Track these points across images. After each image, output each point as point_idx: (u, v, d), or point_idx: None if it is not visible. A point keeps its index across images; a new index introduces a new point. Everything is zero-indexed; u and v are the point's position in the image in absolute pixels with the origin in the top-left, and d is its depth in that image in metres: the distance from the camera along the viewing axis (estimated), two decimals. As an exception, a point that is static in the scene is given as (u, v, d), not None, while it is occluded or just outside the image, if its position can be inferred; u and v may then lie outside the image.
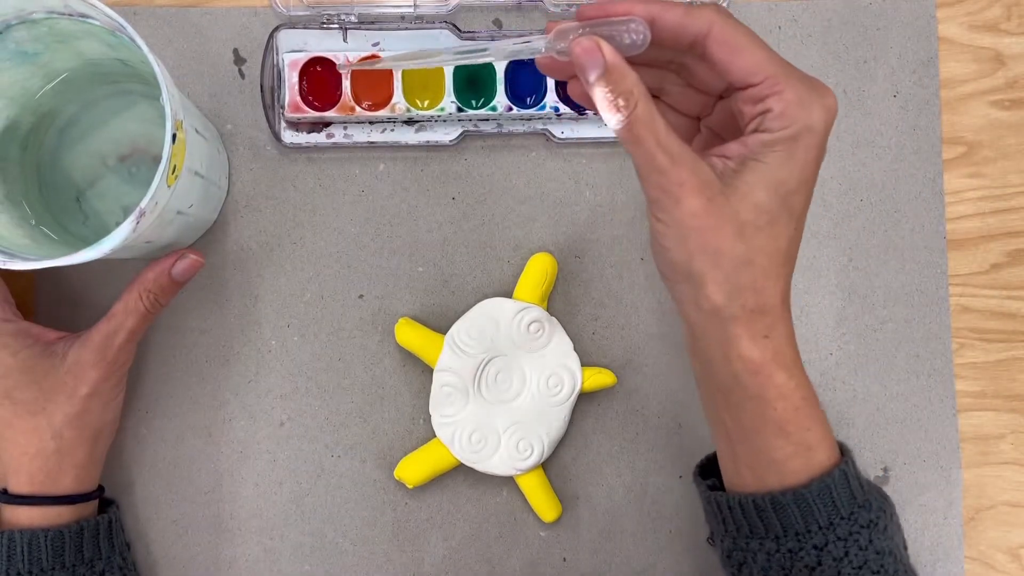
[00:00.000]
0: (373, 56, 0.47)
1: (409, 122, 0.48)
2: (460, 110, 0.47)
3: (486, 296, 0.48)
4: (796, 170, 0.33)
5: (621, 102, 0.33)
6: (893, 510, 0.37)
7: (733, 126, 0.36)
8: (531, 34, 0.36)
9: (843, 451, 0.37)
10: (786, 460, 0.35)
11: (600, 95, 0.33)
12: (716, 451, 0.40)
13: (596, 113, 0.36)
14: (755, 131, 0.34)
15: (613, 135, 0.48)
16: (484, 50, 0.36)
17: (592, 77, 0.33)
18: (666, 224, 0.33)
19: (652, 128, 0.33)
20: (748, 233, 0.33)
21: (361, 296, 0.49)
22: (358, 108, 0.47)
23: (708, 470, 0.41)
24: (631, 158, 0.34)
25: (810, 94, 0.33)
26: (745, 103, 0.34)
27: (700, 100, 0.38)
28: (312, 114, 0.47)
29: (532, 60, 0.48)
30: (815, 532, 0.35)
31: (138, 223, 0.36)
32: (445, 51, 0.37)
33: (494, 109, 0.48)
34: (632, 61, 0.33)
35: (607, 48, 0.33)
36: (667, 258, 0.34)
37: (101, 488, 0.45)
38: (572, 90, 0.37)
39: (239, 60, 0.49)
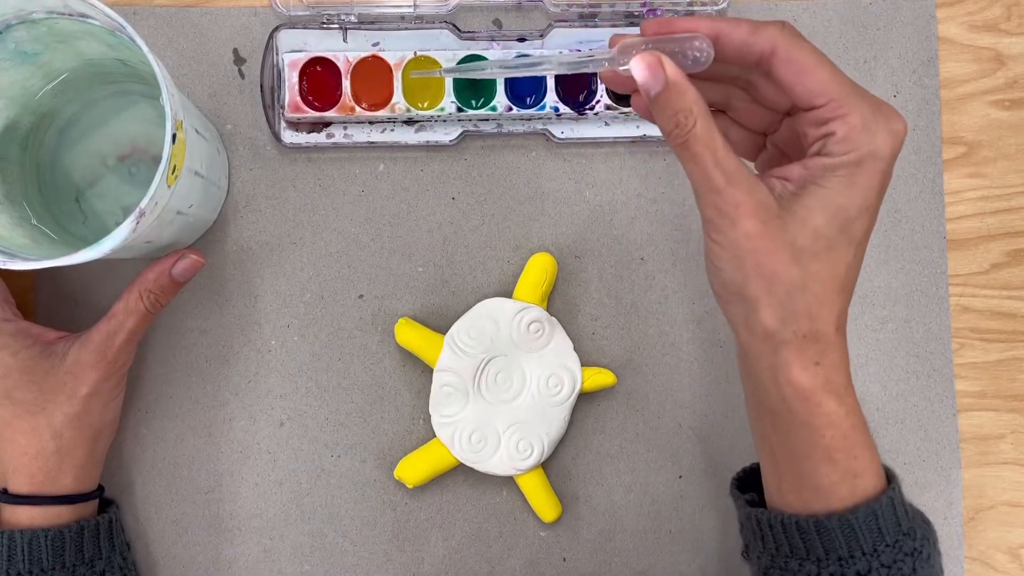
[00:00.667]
0: (374, 56, 0.47)
1: (409, 122, 0.48)
2: (460, 110, 0.47)
3: (486, 296, 0.48)
4: (858, 196, 0.33)
5: (681, 119, 0.33)
6: (935, 537, 0.36)
7: (800, 144, 0.36)
8: (594, 48, 0.37)
9: (890, 477, 0.36)
10: (832, 486, 0.34)
11: (659, 111, 0.33)
12: (758, 466, 0.40)
13: (652, 122, 0.36)
14: (817, 154, 0.33)
15: (613, 135, 0.48)
16: (540, 64, 0.37)
17: (653, 92, 0.33)
18: (721, 245, 0.33)
19: (710, 146, 0.33)
20: (804, 259, 0.33)
21: (361, 296, 0.49)
22: (358, 108, 0.47)
23: (744, 483, 0.41)
24: (687, 176, 0.34)
25: (876, 118, 0.33)
26: (808, 125, 0.34)
27: (767, 116, 0.37)
28: (312, 114, 0.47)
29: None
30: (859, 558, 0.34)
31: (138, 223, 0.36)
32: (505, 63, 0.38)
33: (494, 109, 0.48)
34: (698, 76, 0.33)
35: (669, 64, 0.33)
36: (721, 279, 0.34)
37: (101, 488, 0.45)
38: (635, 104, 0.37)
39: (239, 60, 0.49)
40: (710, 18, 0.34)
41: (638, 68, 0.33)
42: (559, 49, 0.48)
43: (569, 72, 0.37)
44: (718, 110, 0.34)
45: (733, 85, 0.37)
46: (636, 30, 0.48)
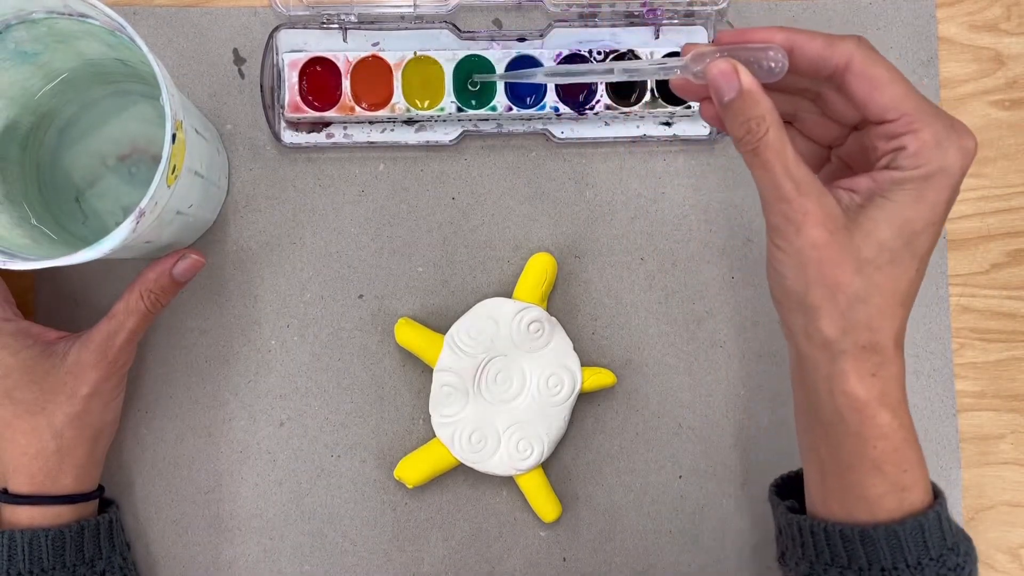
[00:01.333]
0: (374, 56, 0.47)
1: (409, 122, 0.48)
2: (460, 110, 0.47)
3: (486, 296, 0.48)
4: (925, 211, 0.33)
5: (753, 126, 0.33)
6: (976, 556, 0.37)
7: (865, 158, 0.36)
8: (667, 56, 0.37)
9: (936, 493, 0.36)
10: (879, 498, 0.35)
11: (732, 118, 0.34)
12: (796, 474, 0.41)
13: (724, 133, 0.37)
14: (886, 168, 0.34)
15: (613, 135, 0.48)
16: (606, 71, 0.38)
17: (726, 99, 0.33)
18: (785, 252, 0.34)
19: (781, 155, 0.33)
20: (868, 270, 0.33)
21: (361, 296, 0.49)
22: (358, 108, 0.47)
23: (782, 490, 0.41)
24: (755, 182, 0.34)
25: (948, 134, 0.33)
26: (879, 139, 0.34)
27: (833, 129, 0.38)
28: (312, 114, 0.47)
29: (532, 60, 0.48)
30: (903, 570, 0.34)
31: (138, 223, 0.36)
32: (567, 69, 0.39)
33: (494, 109, 0.48)
34: (767, 87, 0.34)
35: (744, 72, 0.33)
36: (782, 285, 0.34)
37: (101, 488, 0.45)
38: (704, 112, 0.38)
39: (239, 60, 0.49)
40: (786, 29, 0.35)
41: (713, 74, 0.34)
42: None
43: (642, 79, 0.38)
44: (785, 121, 0.34)
45: (802, 97, 0.38)
46: (636, 30, 0.48)
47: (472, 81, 0.47)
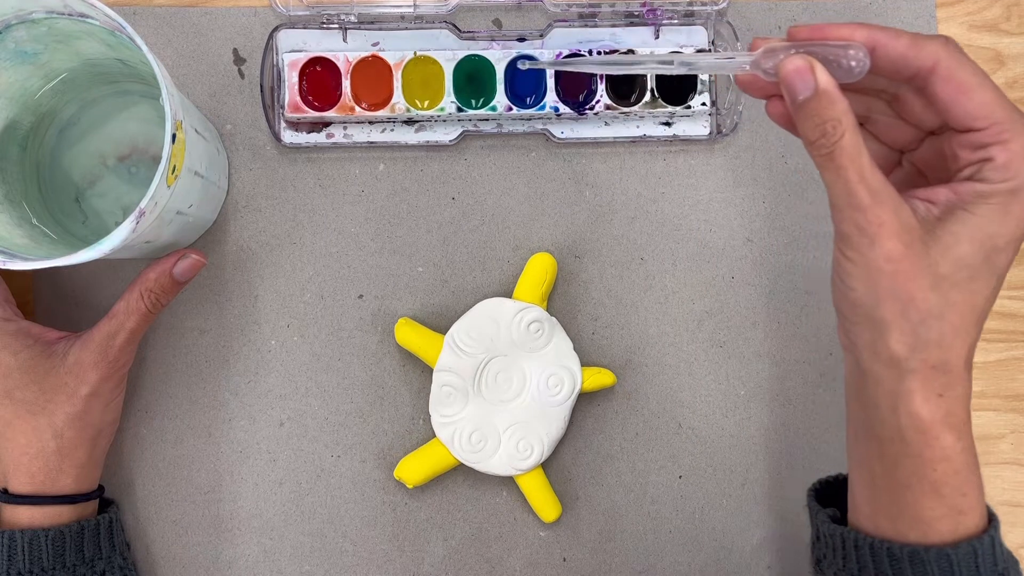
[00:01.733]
0: (374, 56, 0.47)
1: (409, 122, 0.48)
2: (460, 110, 0.47)
3: (486, 296, 0.48)
4: (1009, 227, 0.32)
5: (828, 128, 0.31)
6: None
7: (941, 166, 0.35)
8: (735, 50, 0.36)
9: (991, 516, 0.35)
10: (934, 520, 0.33)
11: (805, 119, 0.32)
12: (835, 479, 0.40)
13: (796, 134, 0.35)
14: (969, 179, 0.32)
15: (613, 135, 0.48)
16: (671, 63, 0.36)
17: (800, 98, 0.32)
18: (855, 263, 0.32)
19: (857, 161, 0.31)
20: (944, 287, 0.32)
21: (361, 296, 0.49)
22: (358, 108, 0.47)
23: (822, 495, 0.40)
24: (826, 189, 0.33)
25: None
26: (963, 147, 0.32)
27: (908, 133, 0.36)
28: (312, 114, 0.47)
29: (533, 60, 0.48)
30: None
31: (138, 223, 0.36)
32: (645, 59, 0.37)
33: (494, 109, 0.48)
34: (841, 87, 0.32)
35: (821, 71, 0.32)
36: (849, 298, 0.33)
37: (101, 488, 0.45)
38: (771, 110, 0.36)
39: (239, 60, 0.49)
40: (867, 26, 0.33)
41: (787, 71, 0.32)
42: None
43: (707, 73, 0.36)
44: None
45: (876, 98, 0.36)
46: (636, 30, 0.48)
47: (521, 66, 0.46)
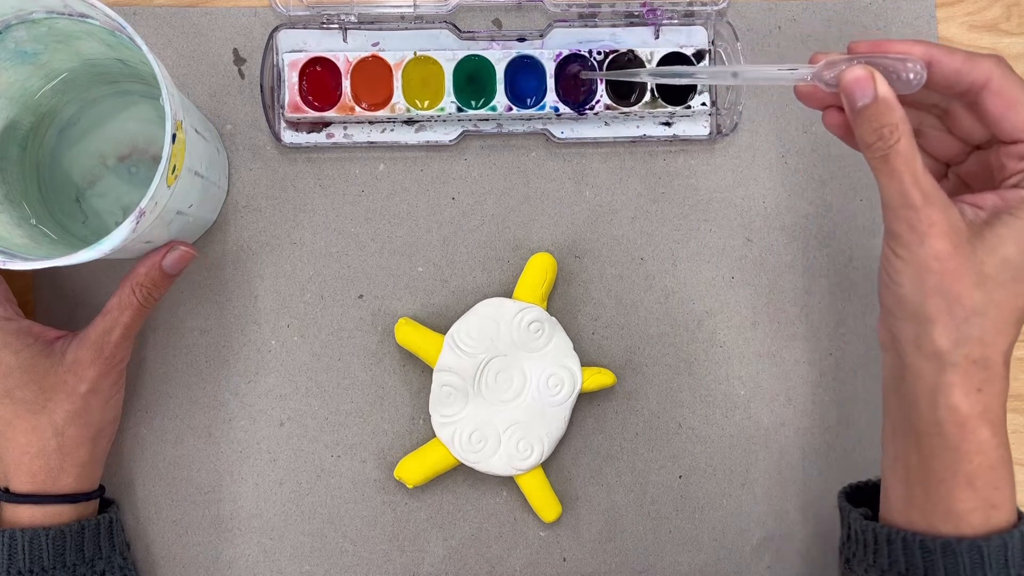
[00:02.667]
0: (374, 56, 0.47)
1: (409, 122, 0.48)
2: (460, 110, 0.47)
3: (486, 296, 0.48)
4: None
5: (885, 132, 0.33)
6: None
7: (984, 177, 0.37)
8: (794, 63, 0.38)
9: (1021, 514, 0.36)
10: (967, 513, 0.35)
11: (863, 125, 0.34)
12: (866, 484, 0.41)
13: (853, 146, 0.37)
14: (1016, 186, 0.34)
15: (613, 135, 0.48)
16: (735, 73, 0.38)
17: (859, 104, 0.34)
18: (904, 261, 0.34)
19: (911, 164, 0.33)
20: (989, 285, 0.33)
21: (361, 296, 0.49)
22: (358, 108, 0.47)
23: (852, 498, 0.41)
24: (880, 190, 0.34)
25: None
26: (1010, 158, 0.35)
27: (956, 147, 0.38)
28: (312, 114, 0.47)
29: (532, 60, 0.48)
30: None
31: (138, 223, 0.36)
32: (702, 70, 0.40)
33: (494, 109, 0.48)
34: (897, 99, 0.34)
35: (880, 79, 0.34)
36: (896, 294, 0.35)
37: (102, 488, 0.45)
38: (828, 120, 0.38)
39: (239, 60, 0.49)
40: (924, 43, 0.35)
41: (848, 80, 0.34)
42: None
43: (767, 84, 0.39)
44: None
45: (928, 112, 0.38)
46: (636, 30, 0.48)
47: (580, 78, 0.47)
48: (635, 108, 0.48)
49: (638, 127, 0.49)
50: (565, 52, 0.48)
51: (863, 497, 0.42)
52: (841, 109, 0.37)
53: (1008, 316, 0.34)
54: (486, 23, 0.49)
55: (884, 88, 0.34)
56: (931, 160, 0.39)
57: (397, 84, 0.47)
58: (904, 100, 0.35)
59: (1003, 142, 0.35)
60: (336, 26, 0.48)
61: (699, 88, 0.47)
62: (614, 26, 0.48)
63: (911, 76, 0.35)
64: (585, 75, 0.47)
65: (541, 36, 0.48)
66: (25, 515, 0.42)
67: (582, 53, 0.48)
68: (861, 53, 0.36)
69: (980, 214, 0.35)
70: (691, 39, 0.48)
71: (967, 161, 0.38)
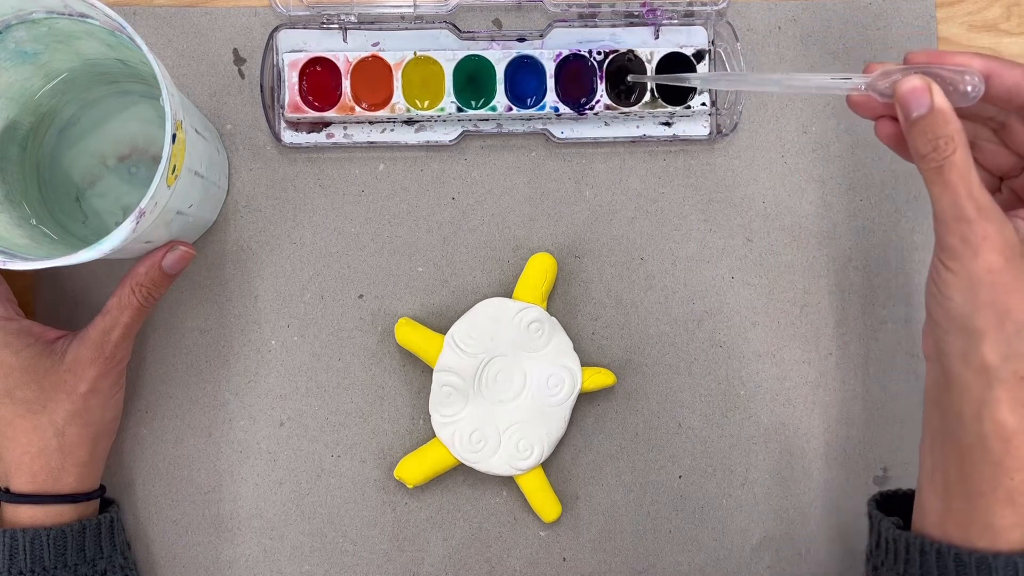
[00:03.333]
0: (374, 56, 0.47)
1: (409, 122, 0.48)
2: (460, 110, 0.47)
3: (486, 296, 0.48)
4: None
5: (941, 144, 0.33)
6: None
7: None
8: (847, 72, 0.38)
9: None
10: (1006, 528, 0.34)
11: (918, 136, 0.34)
12: (895, 494, 0.41)
13: (906, 157, 0.37)
14: None
15: (613, 135, 0.48)
16: (781, 82, 0.38)
17: (914, 115, 0.34)
18: (955, 274, 0.34)
19: (966, 176, 0.33)
20: None
21: (361, 296, 0.49)
22: (358, 108, 0.47)
23: (882, 506, 0.41)
24: (932, 202, 0.34)
25: None
26: None
27: (1010, 160, 0.38)
28: (312, 114, 0.47)
29: (532, 60, 0.48)
30: None
31: (138, 223, 0.36)
32: (750, 75, 0.40)
33: (494, 109, 0.48)
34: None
35: (937, 90, 0.34)
36: (945, 307, 0.34)
37: (103, 487, 0.45)
38: (881, 130, 0.38)
39: (239, 60, 0.49)
40: (983, 56, 0.35)
41: (904, 90, 0.34)
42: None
43: (819, 93, 0.39)
44: None
45: (984, 125, 0.38)
46: (636, 30, 0.48)
47: (628, 81, 0.47)
48: (635, 108, 0.48)
49: (638, 127, 0.49)
50: (565, 52, 0.48)
51: (892, 506, 0.41)
52: (894, 119, 0.37)
53: None
54: (486, 23, 0.49)
55: (941, 99, 0.33)
56: (985, 173, 0.39)
57: (397, 84, 0.47)
58: (960, 112, 0.35)
59: None
60: (336, 26, 0.48)
61: (699, 88, 0.47)
62: (614, 26, 0.48)
63: (968, 88, 0.34)
64: (633, 79, 0.47)
65: (541, 36, 0.48)
66: (26, 515, 0.42)
67: (582, 53, 0.48)
68: (918, 63, 0.35)
69: None
70: (691, 39, 0.48)
71: (1022, 175, 0.38)
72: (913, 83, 0.34)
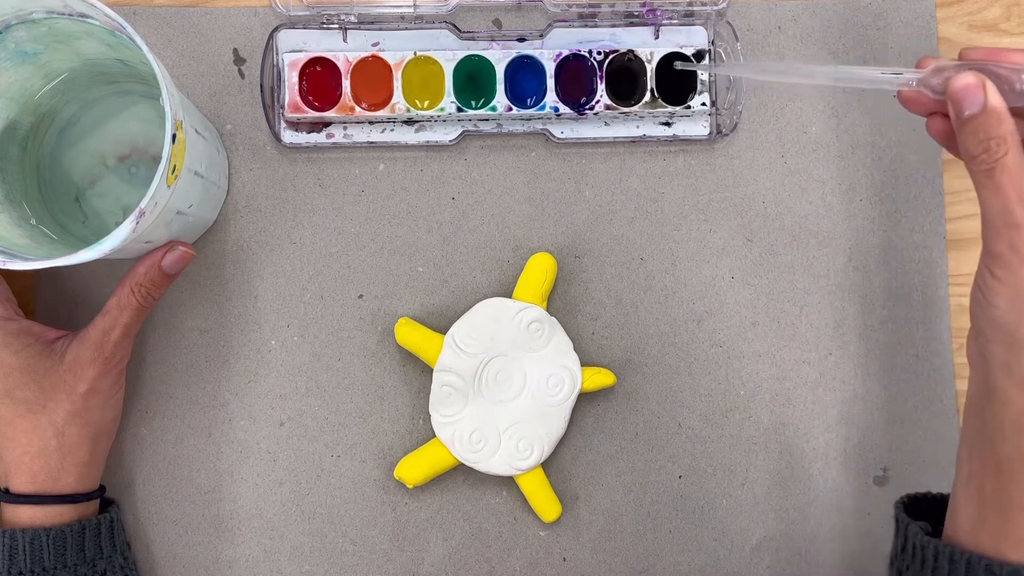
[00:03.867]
0: (374, 56, 0.47)
1: (409, 122, 0.48)
2: (460, 110, 0.47)
3: (486, 296, 0.48)
4: None
5: (992, 145, 0.32)
6: None
7: None
8: (899, 67, 0.37)
9: None
10: None
11: (970, 135, 0.33)
12: (924, 496, 0.40)
13: (956, 155, 0.36)
14: None
15: (613, 135, 0.48)
16: (832, 75, 0.37)
17: (967, 114, 0.33)
18: (1002, 282, 0.33)
19: (1017, 180, 0.32)
20: None
21: (361, 296, 0.49)
22: (358, 108, 0.47)
23: (909, 509, 0.40)
24: (981, 205, 0.33)
25: None
26: None
27: None
28: (312, 114, 0.47)
29: (532, 60, 0.48)
30: None
31: (138, 223, 0.36)
32: (799, 67, 0.40)
33: (494, 109, 0.48)
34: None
35: (991, 88, 0.33)
36: (991, 315, 0.33)
37: (103, 488, 0.45)
38: (932, 127, 0.37)
39: (239, 60, 0.49)
40: None
41: (956, 87, 0.33)
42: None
43: (870, 87, 0.38)
44: None
45: None
46: (636, 30, 0.48)
47: (675, 67, 0.47)
48: (635, 108, 0.48)
49: (638, 127, 0.49)
50: (565, 52, 0.48)
51: (920, 509, 0.40)
52: (946, 116, 0.36)
53: None
54: (486, 23, 0.49)
55: (995, 98, 0.32)
56: None
57: (397, 84, 0.47)
58: (1013, 111, 0.34)
59: None
60: (336, 26, 0.48)
61: (699, 88, 0.47)
62: (614, 26, 0.48)
63: None
64: (682, 66, 0.47)
65: (541, 36, 0.48)
66: (26, 515, 0.42)
67: (582, 53, 0.48)
68: (972, 60, 0.34)
69: None
70: (691, 39, 0.48)
71: None
72: (966, 80, 0.33)
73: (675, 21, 0.48)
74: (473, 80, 0.48)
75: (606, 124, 0.49)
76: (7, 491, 0.42)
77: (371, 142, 0.48)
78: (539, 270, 0.47)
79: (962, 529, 0.36)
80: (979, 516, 0.35)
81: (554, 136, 0.48)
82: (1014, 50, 0.34)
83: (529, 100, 0.48)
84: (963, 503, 0.36)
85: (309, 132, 0.48)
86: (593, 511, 0.48)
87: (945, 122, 0.37)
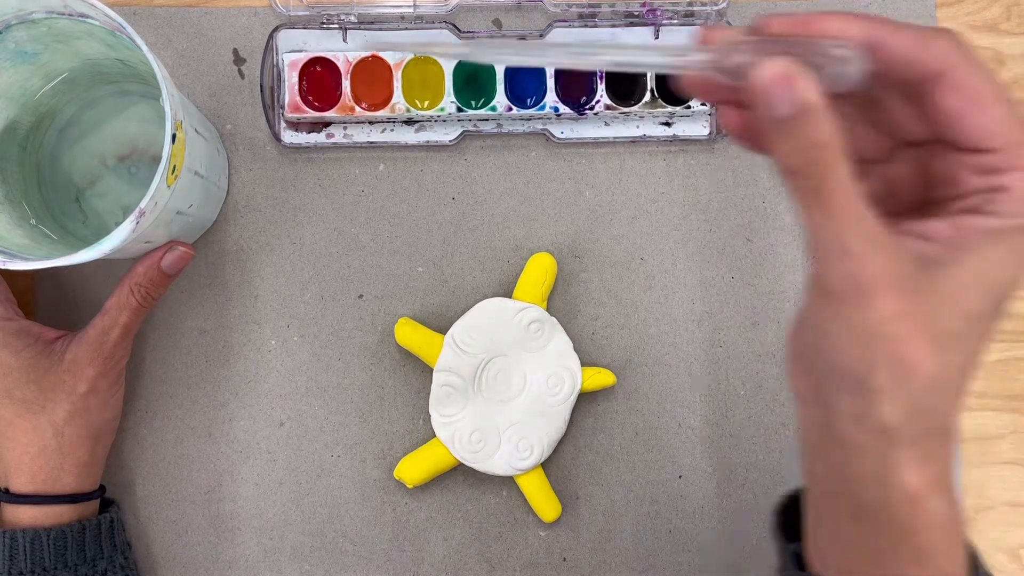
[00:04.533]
0: (374, 56, 0.47)
1: (409, 122, 0.48)
2: (460, 110, 0.47)
3: (486, 296, 0.48)
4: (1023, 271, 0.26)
5: (815, 156, 0.25)
6: None
7: (921, 184, 0.29)
8: (681, 43, 0.29)
9: (976, 564, 0.30)
10: None
11: (785, 140, 0.25)
12: (809, 533, 0.33)
13: (761, 153, 0.29)
14: (974, 211, 0.26)
15: (613, 135, 0.48)
16: (595, 57, 0.27)
17: (778, 115, 0.25)
18: (844, 323, 0.26)
19: (850, 199, 0.25)
20: (949, 344, 0.26)
21: (361, 296, 0.49)
22: (358, 108, 0.47)
23: (789, 513, 0.35)
24: (808, 230, 0.26)
25: None
26: (967, 170, 0.26)
27: (878, 143, 0.29)
28: (312, 114, 0.47)
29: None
30: None
31: (138, 223, 0.36)
32: (552, 47, 0.31)
33: (494, 109, 0.48)
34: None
35: (808, 80, 0.24)
36: (830, 360, 0.27)
37: (103, 487, 0.45)
38: (726, 119, 0.29)
39: (239, 60, 0.49)
40: (863, 18, 0.26)
41: (764, 79, 0.25)
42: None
43: (635, 71, 0.28)
44: None
45: (846, 100, 0.27)
46: (636, 30, 0.48)
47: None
48: (635, 108, 0.48)
49: (638, 127, 0.49)
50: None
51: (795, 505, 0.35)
52: (742, 105, 0.28)
53: (968, 375, 0.27)
54: (486, 23, 0.49)
55: (812, 93, 0.24)
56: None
57: (397, 84, 0.47)
58: (835, 99, 0.26)
59: (961, 149, 0.26)
60: (336, 26, 0.48)
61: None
62: (614, 26, 0.48)
63: (848, 69, 0.25)
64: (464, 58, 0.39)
65: (541, 36, 0.48)
66: (26, 515, 0.42)
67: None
68: (776, 35, 0.26)
69: (929, 249, 0.26)
70: (691, 39, 0.48)
71: (893, 161, 0.29)
72: (776, 70, 0.24)
73: (675, 21, 0.48)
74: (473, 80, 0.48)
75: (606, 124, 0.49)
76: (7, 491, 0.42)
77: (371, 142, 0.48)
78: (539, 270, 0.47)
79: (831, 566, 0.31)
80: (843, 556, 0.30)
81: (554, 136, 0.48)
82: (828, 14, 0.26)
83: (529, 100, 0.48)
84: (826, 542, 0.31)
85: (309, 132, 0.48)
86: (593, 511, 0.48)
87: (742, 115, 0.28)
